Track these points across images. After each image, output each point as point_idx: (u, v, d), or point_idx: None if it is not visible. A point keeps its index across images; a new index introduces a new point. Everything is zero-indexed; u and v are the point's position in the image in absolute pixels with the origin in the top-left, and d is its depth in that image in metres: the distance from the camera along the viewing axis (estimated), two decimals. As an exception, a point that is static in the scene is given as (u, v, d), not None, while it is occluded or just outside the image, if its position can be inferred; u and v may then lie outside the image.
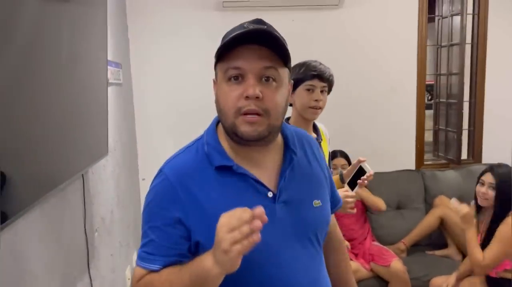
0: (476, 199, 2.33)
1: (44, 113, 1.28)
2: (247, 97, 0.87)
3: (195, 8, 2.95)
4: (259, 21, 0.91)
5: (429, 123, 3.51)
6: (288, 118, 1.77)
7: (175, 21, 2.95)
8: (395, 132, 3.21)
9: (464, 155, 3.31)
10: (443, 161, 3.37)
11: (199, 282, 0.83)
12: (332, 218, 1.21)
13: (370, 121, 3.18)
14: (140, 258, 0.95)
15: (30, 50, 1.17)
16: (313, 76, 1.69)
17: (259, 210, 0.75)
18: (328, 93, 1.76)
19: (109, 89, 2.23)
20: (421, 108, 3.22)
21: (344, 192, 1.56)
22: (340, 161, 2.70)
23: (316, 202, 1.00)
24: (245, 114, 0.88)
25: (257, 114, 0.87)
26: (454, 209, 2.26)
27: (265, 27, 0.88)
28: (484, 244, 2.16)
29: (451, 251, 2.81)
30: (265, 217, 0.76)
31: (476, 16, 3.21)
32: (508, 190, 2.15)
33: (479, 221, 2.35)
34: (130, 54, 2.91)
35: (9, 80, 1.05)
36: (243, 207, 0.77)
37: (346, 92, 2.91)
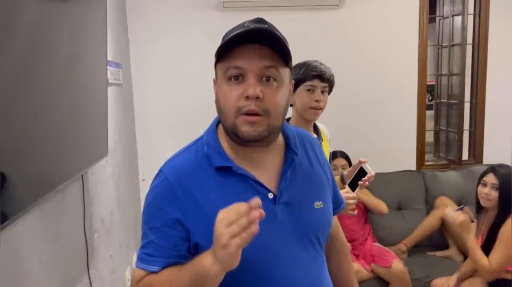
0: (477, 200, 2.32)
1: (43, 113, 1.27)
2: (247, 97, 0.86)
3: (195, 8, 2.94)
4: (260, 20, 0.90)
5: (429, 124, 3.50)
6: (289, 119, 1.76)
7: (175, 21, 2.95)
8: (396, 133, 3.21)
9: (465, 156, 3.31)
10: (444, 162, 3.36)
11: (199, 281, 0.82)
12: (335, 219, 1.20)
13: (371, 122, 3.17)
14: (139, 259, 0.95)
15: (29, 50, 1.16)
16: (314, 77, 1.68)
17: (256, 201, 0.74)
18: (329, 93, 1.76)
19: (109, 89, 2.22)
20: (422, 108, 3.21)
21: (345, 193, 1.55)
22: (341, 161, 2.69)
23: (318, 204, 0.99)
24: (245, 114, 0.87)
25: (257, 114, 0.87)
26: (450, 218, 2.25)
27: (266, 26, 0.87)
28: (485, 246, 2.15)
29: (452, 252, 2.81)
30: (262, 212, 0.75)
31: (477, 17, 3.20)
32: (510, 190, 2.14)
33: (480, 223, 2.34)
34: (130, 54, 2.91)
35: (8, 80, 1.05)
36: (241, 202, 0.76)
37: (347, 92, 2.90)
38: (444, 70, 3.33)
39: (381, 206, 2.76)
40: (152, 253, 0.92)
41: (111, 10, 2.41)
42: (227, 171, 0.92)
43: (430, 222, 2.84)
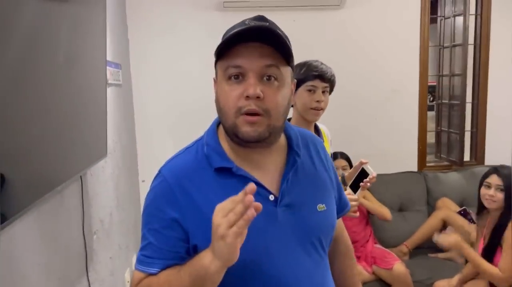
0: (479, 201, 2.30)
1: (42, 113, 1.26)
2: (247, 97, 0.84)
3: (195, 8, 2.93)
4: (261, 18, 0.88)
5: (431, 125, 3.49)
6: (289, 120, 1.75)
7: (175, 22, 2.94)
8: (397, 134, 3.19)
9: (466, 157, 3.28)
10: (446, 163, 3.34)
11: (198, 281, 0.81)
12: (340, 222, 1.17)
13: (372, 123, 3.16)
14: (138, 261, 0.94)
15: (28, 50, 1.15)
16: (315, 77, 1.66)
17: (250, 186, 0.73)
18: (330, 93, 1.74)
19: (109, 89, 2.20)
20: (423, 109, 3.20)
21: (347, 195, 1.53)
22: (341, 162, 2.68)
23: (321, 206, 0.97)
24: (246, 114, 0.85)
25: (258, 114, 0.85)
26: (442, 243, 2.23)
27: (267, 24, 0.86)
28: (488, 249, 2.13)
29: (454, 254, 2.78)
30: (259, 204, 0.74)
31: (479, 17, 3.19)
32: None
33: (480, 225, 2.32)
34: (129, 54, 2.89)
35: (6, 80, 1.04)
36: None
37: (348, 93, 2.88)
38: (446, 71, 3.32)
39: (384, 212, 2.75)
40: (151, 255, 0.91)
41: (111, 11, 2.40)
42: (227, 172, 0.90)
43: (431, 224, 2.83)
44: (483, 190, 2.24)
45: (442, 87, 3.39)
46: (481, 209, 2.31)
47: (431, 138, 3.47)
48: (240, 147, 0.92)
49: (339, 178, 1.77)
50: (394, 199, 2.99)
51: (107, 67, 2.07)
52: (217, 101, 0.91)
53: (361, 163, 1.71)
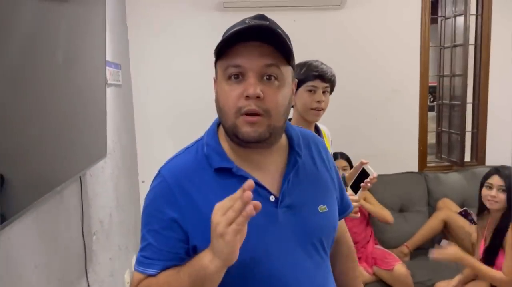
0: (480, 202, 2.29)
1: (41, 114, 1.25)
2: (247, 97, 0.83)
3: (195, 8, 2.93)
4: (261, 17, 0.88)
5: (431, 125, 3.48)
6: (289, 120, 1.74)
7: (175, 22, 2.93)
8: (398, 134, 3.19)
9: (467, 157, 3.28)
10: (446, 163, 3.34)
11: (198, 282, 0.80)
12: (342, 223, 1.16)
13: (372, 123, 3.15)
14: (138, 262, 0.93)
15: (27, 50, 1.14)
16: (315, 77, 1.65)
17: (249, 182, 0.72)
18: (330, 93, 1.73)
19: (108, 90, 2.20)
20: (424, 110, 3.20)
21: (348, 196, 1.52)
22: (341, 163, 2.67)
23: (322, 207, 0.96)
24: (246, 114, 0.84)
25: (258, 114, 0.84)
26: (441, 258, 2.18)
27: (268, 23, 0.85)
28: (490, 250, 2.12)
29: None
30: (258, 203, 0.73)
31: (479, 17, 3.18)
32: None
33: (481, 226, 2.31)
34: (129, 55, 2.89)
35: (5, 81, 1.03)
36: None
37: (348, 93, 2.87)
38: (446, 71, 3.31)
39: (386, 215, 2.75)
40: (151, 256, 0.90)
41: (111, 11, 2.39)
42: (227, 172, 0.89)
43: (432, 225, 2.82)
44: (485, 191, 2.23)
45: (443, 87, 3.39)
46: (482, 210, 2.30)
47: (431, 138, 3.47)
48: (240, 147, 0.91)
49: (340, 178, 1.77)
50: (395, 199, 2.99)
51: (107, 67, 2.06)
52: (217, 101, 0.90)
53: (362, 164, 1.70)
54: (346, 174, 1.80)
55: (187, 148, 0.97)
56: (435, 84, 3.54)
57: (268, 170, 0.93)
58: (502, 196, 2.15)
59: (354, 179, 1.71)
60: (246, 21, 0.85)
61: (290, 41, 0.86)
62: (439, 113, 3.47)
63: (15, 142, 1.10)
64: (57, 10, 1.35)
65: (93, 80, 1.75)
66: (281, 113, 0.88)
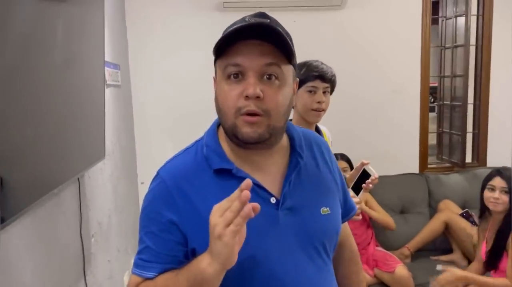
0: (482, 204, 2.27)
1: (39, 115, 1.24)
2: (247, 97, 0.81)
3: (195, 8, 2.91)
4: (262, 15, 0.86)
5: (432, 126, 3.46)
6: (290, 121, 1.72)
7: (174, 22, 2.92)
8: (398, 135, 3.17)
9: (468, 158, 3.27)
10: (447, 165, 3.32)
11: (196, 285, 0.79)
12: (345, 226, 1.13)
13: (373, 124, 3.14)
14: (135, 265, 0.91)
15: (25, 51, 1.13)
16: (315, 77, 1.64)
17: (246, 182, 0.71)
18: (331, 93, 1.72)
19: (108, 90, 2.19)
20: (424, 110, 3.18)
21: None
22: (341, 164, 2.65)
23: (324, 210, 0.93)
24: (245, 114, 0.82)
25: (257, 114, 0.82)
26: (444, 281, 2.07)
27: (268, 21, 0.83)
28: (493, 252, 2.10)
29: (456, 256, 2.76)
30: (257, 205, 0.71)
31: (480, 17, 3.17)
32: None
33: (482, 228, 2.29)
34: (129, 55, 2.87)
35: (2, 82, 1.02)
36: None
37: (348, 94, 2.86)
38: (447, 72, 3.30)
39: (390, 222, 2.75)
40: (149, 259, 0.89)
41: (110, 11, 2.38)
42: (226, 173, 0.88)
43: (433, 226, 2.80)
44: (487, 193, 2.21)
45: (444, 88, 3.37)
46: (483, 211, 2.28)
47: (432, 139, 3.45)
48: (240, 148, 0.89)
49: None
50: (395, 201, 2.97)
51: (106, 68, 2.05)
52: (216, 101, 0.88)
53: (363, 164, 1.69)
54: (347, 175, 1.78)
55: (186, 149, 0.96)
56: (436, 84, 3.52)
57: (269, 171, 0.91)
58: (505, 198, 2.13)
59: (355, 180, 1.69)
60: (246, 19, 0.84)
61: (291, 40, 0.85)
62: (440, 114, 3.45)
63: (13, 144, 1.09)
64: (55, 10, 1.34)
65: (92, 81, 1.73)
66: (281, 113, 0.86)
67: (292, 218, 0.89)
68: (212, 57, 0.88)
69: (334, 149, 2.00)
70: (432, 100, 6.10)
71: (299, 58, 1.19)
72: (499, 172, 2.21)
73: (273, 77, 0.83)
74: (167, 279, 0.86)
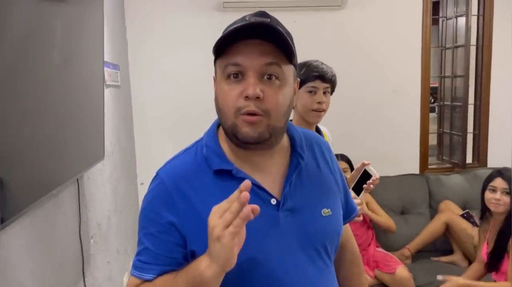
0: (483, 205, 2.26)
1: (38, 115, 1.23)
2: (246, 97, 0.81)
3: (195, 9, 2.91)
4: (262, 14, 0.85)
5: (433, 127, 3.45)
6: (290, 121, 1.71)
7: (174, 22, 2.91)
8: (399, 136, 3.16)
9: (469, 159, 3.25)
10: (448, 165, 3.32)
11: None
12: (347, 228, 1.13)
13: (373, 125, 3.13)
14: (134, 266, 0.90)
15: (24, 51, 1.13)
16: (315, 77, 1.63)
17: (246, 183, 0.70)
18: (331, 93, 1.71)
19: (107, 91, 2.18)
20: (425, 111, 3.17)
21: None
22: (341, 164, 2.64)
23: (325, 211, 0.93)
24: (245, 114, 0.81)
25: (257, 114, 0.81)
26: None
27: (269, 20, 0.82)
28: (494, 254, 2.09)
29: (457, 257, 2.75)
30: (257, 206, 0.71)
31: (481, 18, 3.16)
32: None
33: (483, 229, 2.29)
34: (128, 55, 2.86)
35: (2, 82, 1.01)
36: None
37: (348, 94, 2.84)
38: (448, 72, 3.29)
39: (391, 225, 2.74)
40: (147, 261, 0.88)
41: (109, 12, 2.38)
42: (226, 174, 0.87)
43: (434, 227, 2.79)
44: (488, 194, 2.20)
45: (444, 88, 3.37)
46: (484, 212, 2.27)
47: (433, 140, 3.44)
48: (240, 148, 0.88)
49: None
50: (396, 202, 2.96)
51: (105, 68, 2.04)
52: (216, 101, 0.87)
53: (363, 165, 1.68)
54: (347, 176, 1.77)
55: (186, 149, 0.95)
56: (436, 85, 3.52)
57: (269, 172, 0.90)
58: (506, 199, 2.12)
59: (356, 180, 1.69)
60: (247, 18, 0.83)
61: (292, 39, 0.84)
62: (441, 115, 3.45)
63: (12, 144, 1.08)
64: (54, 10, 1.33)
65: (91, 81, 1.72)
66: (281, 114, 0.85)
67: (293, 219, 0.88)
68: (212, 57, 0.87)
69: (334, 150, 1.98)
70: (433, 100, 6.09)
71: (299, 58, 1.19)
72: (500, 173, 2.20)
73: (274, 77, 0.83)
74: (166, 281, 0.85)
